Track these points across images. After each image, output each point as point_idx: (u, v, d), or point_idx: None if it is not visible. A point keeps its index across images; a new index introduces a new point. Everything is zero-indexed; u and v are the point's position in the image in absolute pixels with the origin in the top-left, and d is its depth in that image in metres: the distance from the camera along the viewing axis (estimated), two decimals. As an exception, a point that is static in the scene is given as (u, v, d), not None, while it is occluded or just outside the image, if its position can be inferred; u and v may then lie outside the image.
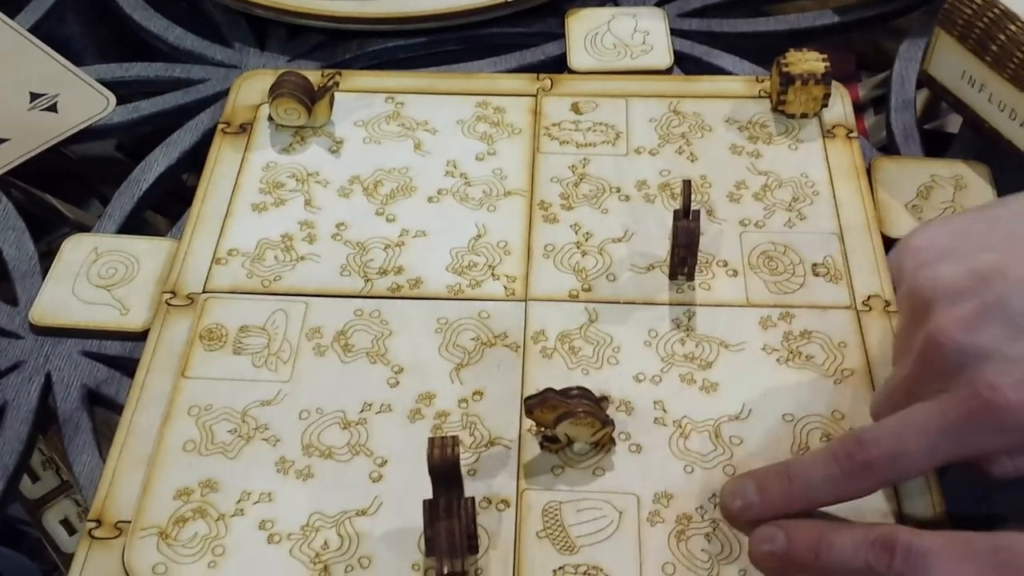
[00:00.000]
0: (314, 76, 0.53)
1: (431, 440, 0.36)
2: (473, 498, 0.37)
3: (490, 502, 0.39)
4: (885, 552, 0.32)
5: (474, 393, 0.42)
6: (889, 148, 0.53)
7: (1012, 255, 0.33)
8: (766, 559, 0.36)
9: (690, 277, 0.46)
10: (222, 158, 0.51)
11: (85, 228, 0.50)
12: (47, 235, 0.60)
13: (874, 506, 0.38)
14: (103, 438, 0.43)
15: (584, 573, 0.37)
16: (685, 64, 0.57)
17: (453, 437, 0.36)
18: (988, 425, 0.32)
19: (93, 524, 0.39)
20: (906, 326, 0.36)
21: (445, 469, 0.36)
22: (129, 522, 0.39)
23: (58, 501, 0.63)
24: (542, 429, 0.40)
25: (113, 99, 0.55)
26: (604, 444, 0.40)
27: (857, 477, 0.34)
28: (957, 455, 0.33)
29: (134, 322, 0.45)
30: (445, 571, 0.36)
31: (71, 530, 0.59)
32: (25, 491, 0.63)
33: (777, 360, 0.43)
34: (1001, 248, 0.33)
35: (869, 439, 0.34)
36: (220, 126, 0.53)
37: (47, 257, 0.49)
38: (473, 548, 0.37)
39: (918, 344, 0.34)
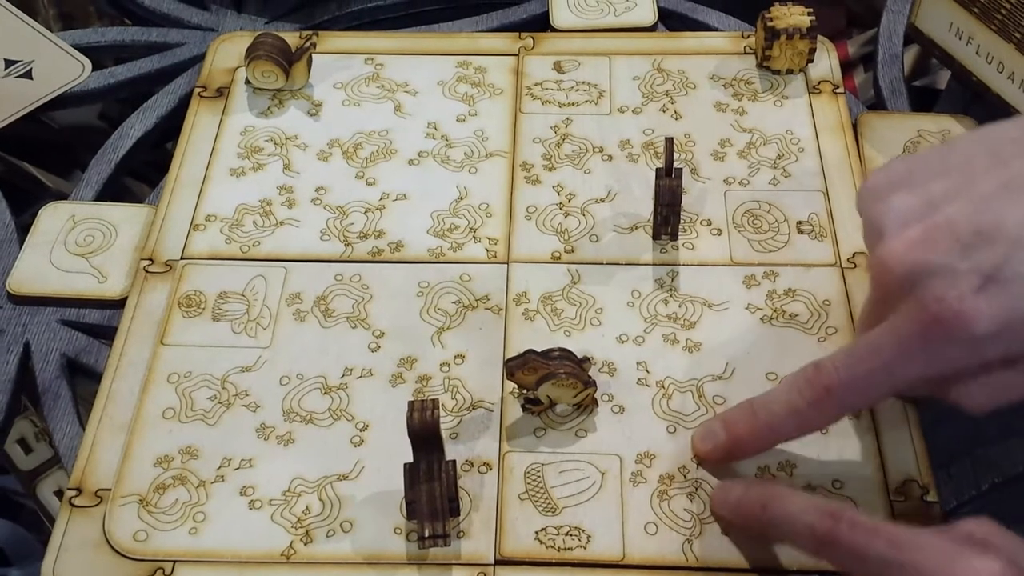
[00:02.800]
0: (292, 38, 0.53)
1: (411, 404, 0.35)
2: (454, 461, 0.37)
3: (472, 465, 0.39)
4: (830, 519, 0.32)
5: (456, 356, 0.42)
6: (877, 104, 0.53)
7: (963, 181, 0.33)
8: (719, 508, 0.36)
9: (673, 237, 0.45)
10: (199, 123, 0.50)
11: (66, 198, 0.50)
12: (30, 207, 0.59)
13: (860, 472, 0.38)
14: (88, 408, 0.43)
15: (566, 534, 0.37)
16: (670, 21, 0.56)
17: (433, 400, 0.35)
18: (940, 338, 0.31)
19: (73, 492, 0.39)
20: (868, 260, 0.36)
21: (425, 432, 0.35)
22: (109, 490, 0.39)
23: (51, 472, 0.63)
24: (524, 391, 0.40)
25: (89, 65, 0.55)
26: (587, 405, 0.40)
27: (818, 404, 0.34)
28: (915, 373, 0.33)
29: (112, 290, 0.45)
30: (426, 534, 0.36)
31: (65, 500, 0.59)
32: (19, 463, 0.63)
33: (761, 319, 0.43)
34: (953, 175, 0.33)
35: (826, 364, 0.34)
36: (197, 90, 0.52)
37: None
38: (455, 511, 0.37)
39: (873, 268, 0.34)
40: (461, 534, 0.37)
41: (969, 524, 0.33)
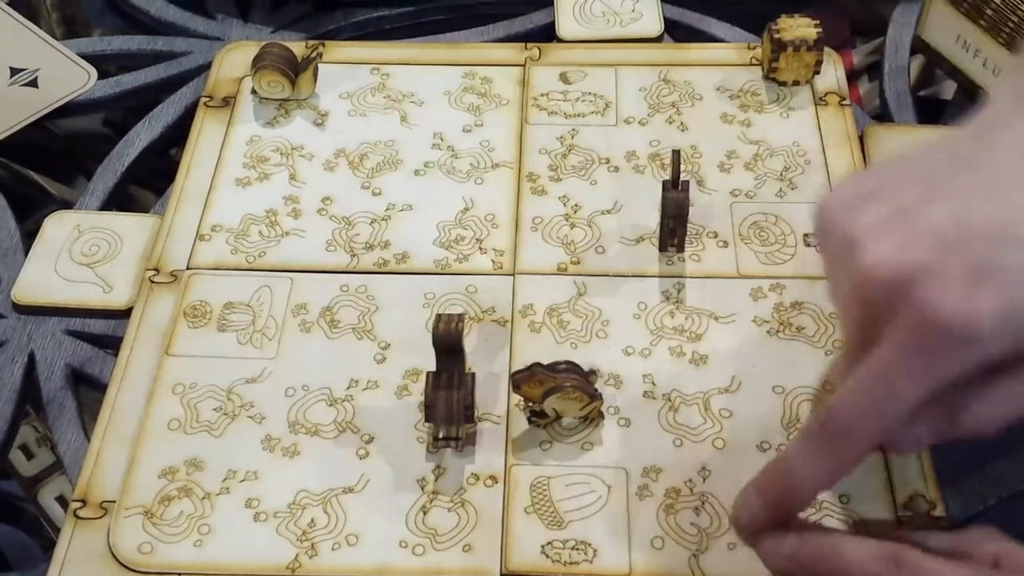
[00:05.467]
0: (298, 47, 0.53)
1: (439, 316, 0.38)
2: (473, 373, 0.38)
3: (478, 478, 0.39)
4: (893, 566, 0.31)
5: (462, 368, 0.42)
6: (883, 115, 0.53)
7: (933, 185, 0.32)
8: (774, 561, 0.34)
9: (680, 249, 0.45)
10: (205, 132, 0.50)
11: (71, 205, 0.50)
12: (33, 213, 0.59)
13: (867, 487, 0.38)
14: (93, 419, 0.42)
15: (573, 548, 0.37)
16: (676, 31, 0.56)
17: (460, 314, 0.38)
18: (941, 341, 0.30)
19: (78, 504, 0.39)
20: (840, 283, 0.34)
21: (449, 343, 0.37)
22: (114, 502, 0.38)
23: (53, 478, 0.63)
24: (530, 404, 0.40)
25: (94, 73, 0.55)
26: (593, 418, 0.40)
27: (838, 449, 0.33)
28: (924, 387, 0.31)
29: (118, 300, 0.45)
30: (440, 435, 0.38)
31: (67, 506, 0.59)
32: (20, 468, 0.62)
33: (767, 332, 0.43)
34: (922, 181, 0.32)
35: (835, 405, 0.32)
36: (203, 99, 0.52)
37: (35, 236, 0.48)
38: (469, 418, 0.38)
39: (854, 285, 0.32)
40: (467, 548, 0.37)
41: (976, 534, 0.32)
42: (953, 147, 0.33)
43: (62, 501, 0.62)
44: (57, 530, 0.40)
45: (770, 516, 0.34)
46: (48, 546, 0.59)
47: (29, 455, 0.63)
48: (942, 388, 0.31)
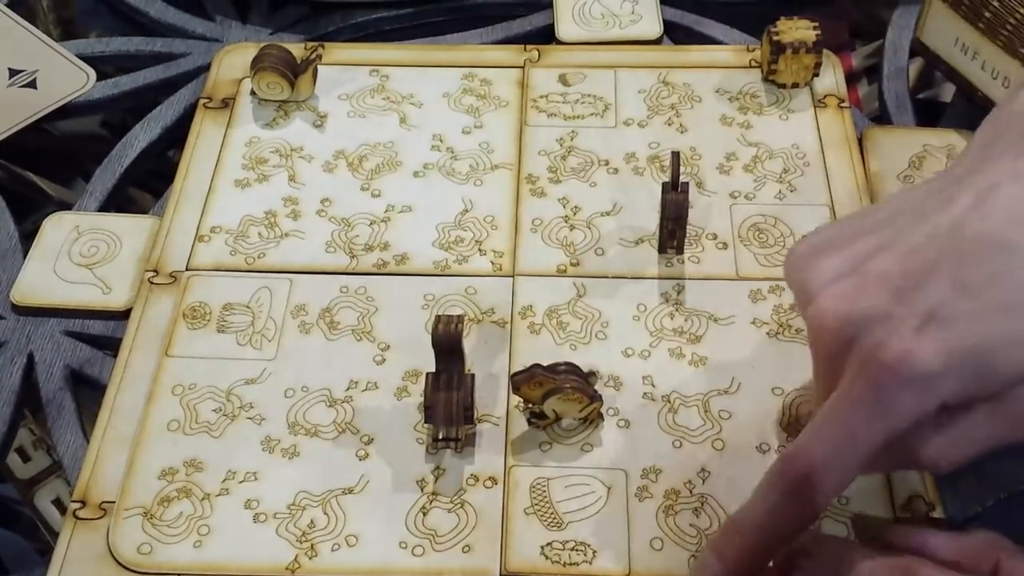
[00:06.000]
0: (297, 49, 0.53)
1: (438, 317, 0.38)
2: (473, 374, 0.38)
3: (477, 479, 0.39)
4: None
5: (461, 369, 0.42)
6: (882, 117, 0.53)
7: (888, 237, 0.32)
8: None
9: (679, 251, 0.45)
10: (204, 134, 0.50)
11: (69, 206, 0.50)
12: (32, 215, 0.59)
13: (866, 488, 0.38)
14: (92, 420, 0.42)
15: (572, 549, 0.37)
16: (675, 33, 0.56)
17: (459, 316, 0.38)
18: (891, 384, 0.30)
19: (77, 505, 0.39)
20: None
21: (448, 344, 0.37)
22: (114, 502, 0.38)
23: (49, 481, 0.63)
24: (530, 405, 0.40)
25: (93, 75, 0.55)
26: (592, 420, 0.40)
27: (799, 498, 0.31)
28: (880, 433, 0.31)
29: (117, 301, 0.45)
30: (440, 436, 0.38)
31: (63, 510, 0.59)
32: (17, 471, 0.62)
33: (767, 333, 0.43)
34: (878, 233, 0.32)
35: (793, 453, 0.32)
36: (202, 101, 0.52)
37: (33, 237, 0.48)
38: (468, 419, 0.38)
39: (810, 334, 0.33)
40: (467, 549, 0.37)
41: (979, 537, 0.32)
42: (917, 198, 0.33)
43: (58, 504, 0.62)
44: (54, 533, 0.40)
45: None
46: (44, 550, 0.59)
47: (25, 458, 0.63)
48: (900, 432, 0.31)
